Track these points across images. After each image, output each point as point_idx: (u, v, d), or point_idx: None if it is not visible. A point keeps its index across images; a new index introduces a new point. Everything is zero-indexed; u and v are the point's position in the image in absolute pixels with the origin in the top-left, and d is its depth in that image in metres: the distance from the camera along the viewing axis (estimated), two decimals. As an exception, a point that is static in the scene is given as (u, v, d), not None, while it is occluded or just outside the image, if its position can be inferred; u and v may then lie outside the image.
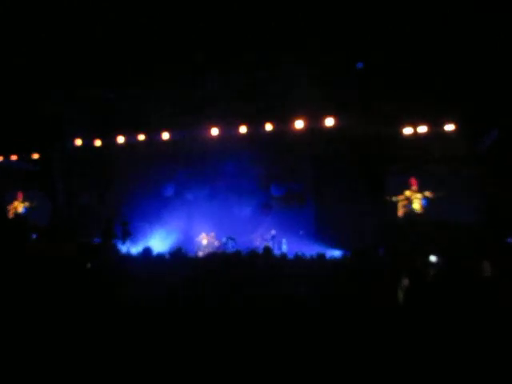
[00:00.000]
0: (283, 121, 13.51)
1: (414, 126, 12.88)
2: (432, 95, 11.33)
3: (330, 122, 13.17)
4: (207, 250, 13.25)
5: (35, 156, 14.77)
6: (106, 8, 9.87)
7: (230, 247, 13.14)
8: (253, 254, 10.38)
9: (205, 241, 13.66)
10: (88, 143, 14.54)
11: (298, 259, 10.95)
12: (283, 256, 11.80)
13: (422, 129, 12.89)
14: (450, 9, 9.56)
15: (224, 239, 13.51)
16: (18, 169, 14.85)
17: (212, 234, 13.76)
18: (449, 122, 12.63)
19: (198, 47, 11.33)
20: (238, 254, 10.62)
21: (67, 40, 10.61)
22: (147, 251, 11.24)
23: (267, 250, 11.08)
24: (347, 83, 11.73)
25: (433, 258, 9.84)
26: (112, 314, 6.26)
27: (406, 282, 7.38)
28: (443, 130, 12.72)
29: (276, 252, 12.42)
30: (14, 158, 14.88)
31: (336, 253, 12.07)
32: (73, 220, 13.77)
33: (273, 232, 13.41)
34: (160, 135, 14.19)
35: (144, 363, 5.21)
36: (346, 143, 12.88)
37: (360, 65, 11.38)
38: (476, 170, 12.02)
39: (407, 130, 13.02)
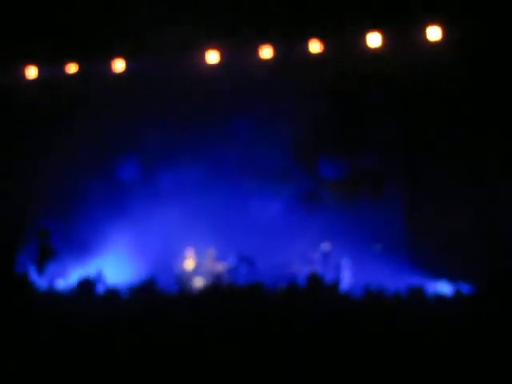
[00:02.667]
0: (341, 36, 13.27)
1: None
2: None
3: (434, 34, 12.80)
4: (201, 282, 13.00)
5: None
6: None
7: (244, 275, 12.82)
8: (291, 289, 10.38)
9: (191, 263, 13.44)
10: None
11: (373, 299, 10.22)
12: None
13: None
14: None
15: (233, 260, 13.22)
16: None
17: (211, 250, 13.37)
18: None
19: None
20: (257, 288, 10.29)
21: None
22: (88, 286, 11.10)
23: (314, 280, 10.91)
24: None
25: None
26: None
27: None
28: None
29: (329, 282, 11.89)
30: None
31: (444, 286, 11.80)
32: None
33: (325, 246, 13.17)
34: (109, 66, 13.96)
35: None
36: (461, 79, 12.61)
37: None
38: None
39: None
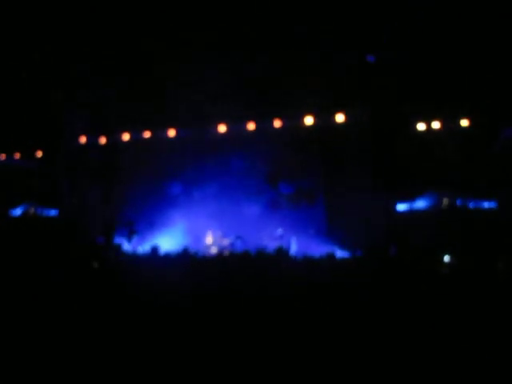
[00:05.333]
0: (292, 117, 13.68)
1: (427, 122, 12.88)
2: (446, 89, 11.49)
3: (340, 118, 13.30)
4: (215, 250, 13.40)
5: (39, 154, 14.81)
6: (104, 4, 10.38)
7: (239, 246, 13.17)
8: (261, 255, 11.16)
9: (210, 239, 13.80)
10: (93, 141, 14.69)
11: (306, 259, 11.01)
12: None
13: (436, 124, 12.84)
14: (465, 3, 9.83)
15: (232, 238, 13.62)
16: (19, 167, 14.98)
17: (219, 232, 13.83)
18: (463, 117, 12.67)
19: (203, 41, 11.75)
20: (246, 254, 11.24)
21: (67, 38, 11.14)
22: (155, 250, 11.89)
23: (280, 250, 11.76)
24: (357, 78, 11.96)
25: (446, 258, 10.32)
26: (117, 314, 6.49)
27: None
28: (457, 127, 12.74)
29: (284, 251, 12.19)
30: (16, 156, 14.97)
31: (345, 253, 12.18)
32: (77, 219, 13.69)
33: (280, 231, 13.53)
34: (166, 132, 14.35)
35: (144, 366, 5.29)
36: (357, 140, 13.10)
37: (371, 58, 11.37)
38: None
39: (420, 126, 13.01)
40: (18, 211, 14.69)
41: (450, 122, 12.75)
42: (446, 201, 12.92)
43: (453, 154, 12.50)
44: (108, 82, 12.39)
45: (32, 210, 14.66)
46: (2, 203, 14.29)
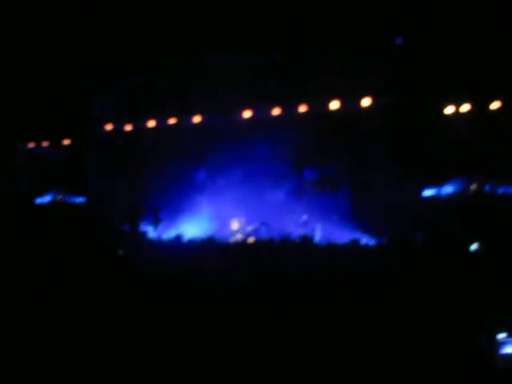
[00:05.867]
0: (317, 102, 13.50)
1: (457, 104, 12.67)
2: (476, 71, 11.29)
3: (366, 102, 13.10)
4: (239, 236, 13.39)
5: (66, 142, 14.91)
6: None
7: (263, 233, 13.14)
8: (285, 242, 11.16)
9: (235, 226, 13.78)
10: (118, 128, 14.72)
11: (330, 245, 10.95)
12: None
13: (465, 107, 12.63)
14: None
15: (256, 224, 13.56)
16: (47, 155, 15.17)
17: (244, 219, 13.76)
18: (493, 101, 12.40)
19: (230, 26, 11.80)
20: (270, 240, 11.31)
21: (96, 25, 11.20)
22: (178, 238, 11.93)
23: (305, 237, 11.82)
24: (383, 63, 11.92)
25: (474, 245, 10.13)
26: (139, 302, 6.49)
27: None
28: (487, 111, 12.47)
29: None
30: (45, 144, 15.11)
31: (370, 240, 12.00)
32: (103, 206, 13.71)
33: (304, 217, 13.43)
34: (191, 119, 14.31)
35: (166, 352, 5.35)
36: (383, 125, 12.94)
37: (399, 40, 11.16)
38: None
39: (448, 110, 12.80)
40: (46, 198, 14.83)
41: (479, 107, 12.51)
42: (474, 186, 12.69)
43: (482, 139, 12.26)
44: (134, 70, 12.48)
45: (60, 197, 14.83)
46: (31, 191, 14.53)
